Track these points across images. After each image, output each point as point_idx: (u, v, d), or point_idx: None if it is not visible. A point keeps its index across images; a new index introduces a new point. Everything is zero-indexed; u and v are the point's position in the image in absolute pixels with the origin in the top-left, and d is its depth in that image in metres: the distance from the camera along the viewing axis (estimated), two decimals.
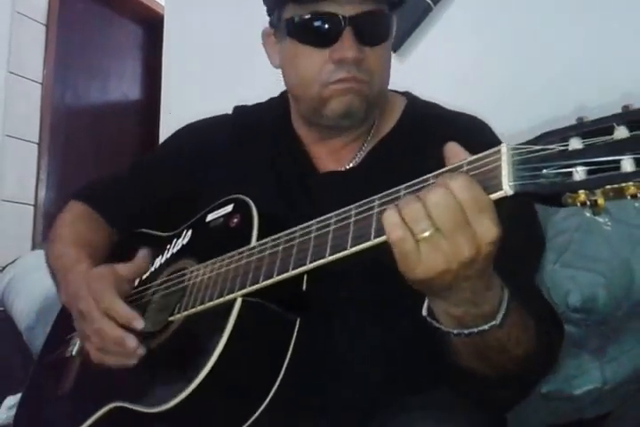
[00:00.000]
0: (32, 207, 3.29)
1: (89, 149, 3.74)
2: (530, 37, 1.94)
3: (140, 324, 0.96)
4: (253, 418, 0.91)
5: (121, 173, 1.35)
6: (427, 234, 0.69)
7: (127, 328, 0.96)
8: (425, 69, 2.06)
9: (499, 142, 1.09)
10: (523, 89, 1.92)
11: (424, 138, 1.08)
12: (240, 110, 1.28)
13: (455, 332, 0.79)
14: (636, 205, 1.34)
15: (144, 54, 4.20)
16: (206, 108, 1.32)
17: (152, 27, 4.05)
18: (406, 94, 1.21)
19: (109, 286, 1.00)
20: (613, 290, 1.32)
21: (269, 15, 1.13)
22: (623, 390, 1.36)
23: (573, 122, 0.66)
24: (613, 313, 1.34)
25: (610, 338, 1.38)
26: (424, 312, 0.81)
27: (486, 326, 0.78)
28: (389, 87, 1.19)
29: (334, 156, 1.14)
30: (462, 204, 0.68)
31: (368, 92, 1.05)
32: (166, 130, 2.65)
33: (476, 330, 0.78)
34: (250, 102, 1.30)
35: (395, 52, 2.07)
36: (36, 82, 3.32)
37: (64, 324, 1.28)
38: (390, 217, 0.71)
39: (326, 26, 1.02)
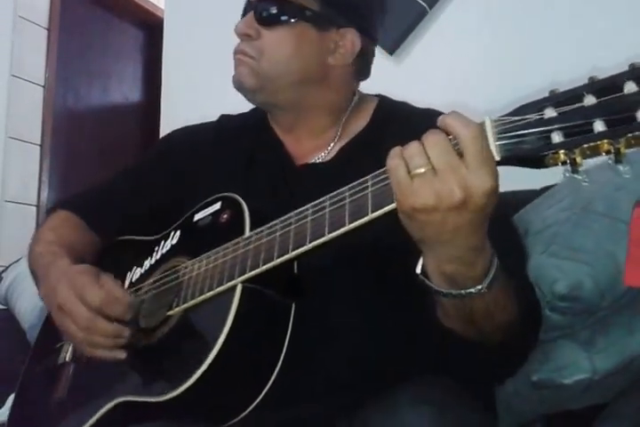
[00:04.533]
0: (34, 208, 3.31)
1: (90, 150, 3.75)
2: (526, 39, 1.96)
3: (124, 297, 1.01)
4: (257, 401, 0.93)
5: (106, 181, 1.36)
6: (421, 170, 0.74)
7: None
8: (421, 72, 2.08)
9: None
10: (519, 90, 1.94)
11: (393, 134, 1.10)
12: (224, 118, 1.33)
13: (444, 291, 0.82)
14: (625, 202, 1.37)
15: (144, 57, 4.22)
16: (206, 109, 1.34)
17: (152, 30, 4.07)
18: (379, 96, 1.27)
19: (91, 279, 1.02)
20: (598, 279, 1.32)
21: None
22: (612, 380, 1.38)
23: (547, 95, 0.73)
24: (598, 303, 1.35)
25: (599, 330, 1.40)
26: (417, 270, 0.84)
27: (473, 290, 0.81)
28: (382, 91, 1.24)
29: (305, 150, 1.20)
30: (466, 153, 0.73)
31: (256, 67, 1.15)
32: (166, 132, 2.66)
33: (463, 292, 0.82)
34: (246, 105, 1.30)
35: (391, 54, 2.10)
36: (38, 84, 3.34)
37: (51, 333, 1.25)
38: (393, 150, 0.78)
39: (245, 3, 1.20)
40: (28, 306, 2.09)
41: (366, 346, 1.03)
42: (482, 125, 0.74)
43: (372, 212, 0.81)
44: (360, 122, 1.21)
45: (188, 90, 2.60)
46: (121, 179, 1.34)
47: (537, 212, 1.46)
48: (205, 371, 0.89)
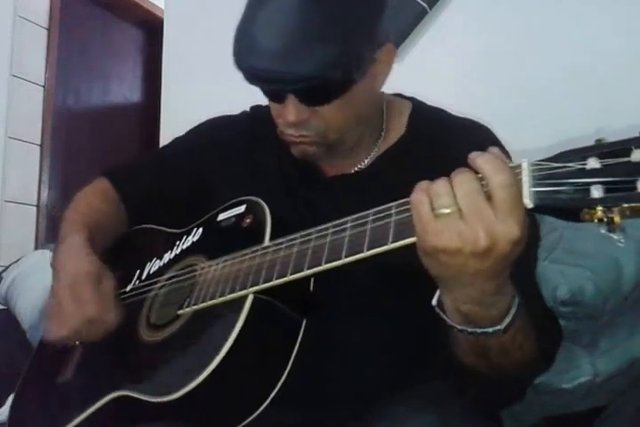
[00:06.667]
0: (34, 208, 3.31)
1: (90, 150, 3.75)
2: (526, 39, 1.97)
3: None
4: (257, 413, 0.92)
5: (148, 157, 1.37)
6: (446, 211, 0.72)
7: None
8: (421, 72, 2.07)
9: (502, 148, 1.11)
10: (519, 90, 1.95)
11: (430, 145, 1.10)
12: (256, 110, 1.28)
13: (459, 327, 0.80)
14: None
15: (144, 57, 4.22)
16: (206, 110, 1.33)
17: (152, 30, 4.07)
18: (412, 100, 1.21)
19: (92, 287, 1.06)
20: (601, 284, 1.33)
21: None
22: (613, 382, 1.38)
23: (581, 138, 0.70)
24: (602, 307, 1.35)
25: (601, 332, 1.40)
26: (433, 302, 0.82)
27: (490, 330, 0.79)
28: (394, 91, 1.21)
29: (340, 161, 1.15)
30: (495, 199, 0.70)
31: (323, 141, 1.06)
32: (166, 132, 2.68)
33: (479, 331, 0.80)
34: (248, 105, 1.31)
35: None
36: (38, 84, 3.34)
37: None
38: (420, 185, 0.75)
39: (273, 89, 1.03)
40: (27, 306, 2.10)
41: (381, 360, 1.03)
42: (518, 168, 0.72)
43: (393, 242, 0.79)
44: (395, 129, 1.16)
45: (187, 90, 2.60)
46: (158, 160, 1.33)
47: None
48: (206, 378, 0.89)
